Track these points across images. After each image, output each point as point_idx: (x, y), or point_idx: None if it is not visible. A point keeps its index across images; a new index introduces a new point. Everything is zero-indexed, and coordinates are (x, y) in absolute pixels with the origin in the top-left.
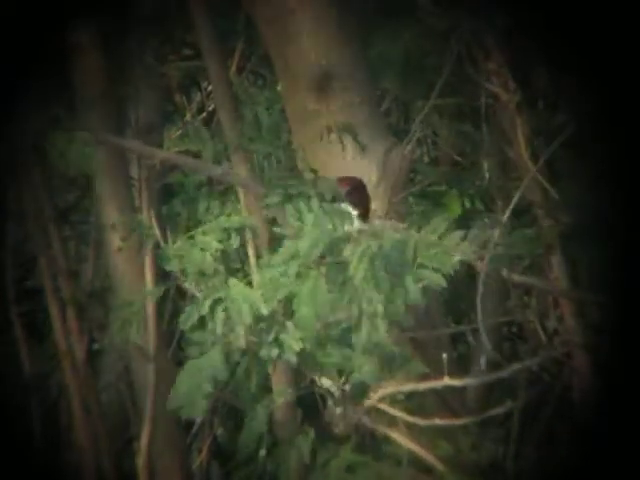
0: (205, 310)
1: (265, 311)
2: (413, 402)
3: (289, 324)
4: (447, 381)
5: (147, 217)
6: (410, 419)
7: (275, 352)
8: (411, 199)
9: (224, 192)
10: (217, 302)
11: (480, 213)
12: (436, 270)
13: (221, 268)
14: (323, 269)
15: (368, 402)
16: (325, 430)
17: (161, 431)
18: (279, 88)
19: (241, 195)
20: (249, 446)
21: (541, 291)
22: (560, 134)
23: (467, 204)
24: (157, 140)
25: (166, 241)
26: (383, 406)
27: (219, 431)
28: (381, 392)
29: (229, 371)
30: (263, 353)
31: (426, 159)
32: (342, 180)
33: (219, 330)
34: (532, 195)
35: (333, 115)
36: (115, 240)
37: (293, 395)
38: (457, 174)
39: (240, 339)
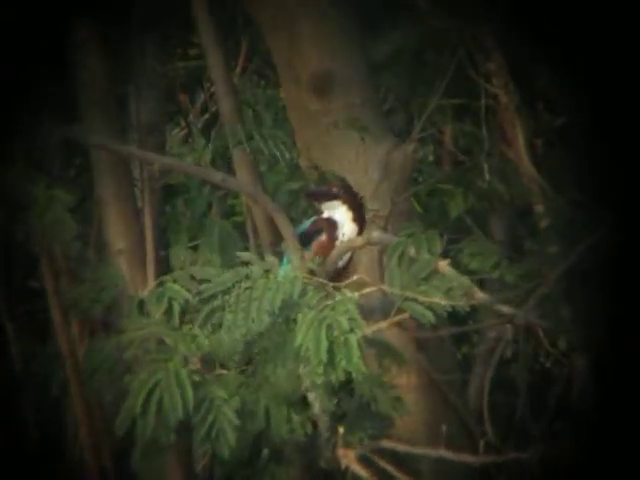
0: (138, 409)
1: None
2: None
3: (227, 410)
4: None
5: (148, 219)
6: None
7: (206, 448)
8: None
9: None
10: (152, 391)
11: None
12: (427, 307)
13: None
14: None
15: (359, 450)
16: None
17: None
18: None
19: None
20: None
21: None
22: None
23: (469, 204)
24: (160, 140)
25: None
26: (374, 457)
27: None
28: (372, 444)
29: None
30: (195, 448)
31: (431, 158)
32: (331, 184)
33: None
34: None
35: (335, 115)
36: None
37: None
38: (460, 173)
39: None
